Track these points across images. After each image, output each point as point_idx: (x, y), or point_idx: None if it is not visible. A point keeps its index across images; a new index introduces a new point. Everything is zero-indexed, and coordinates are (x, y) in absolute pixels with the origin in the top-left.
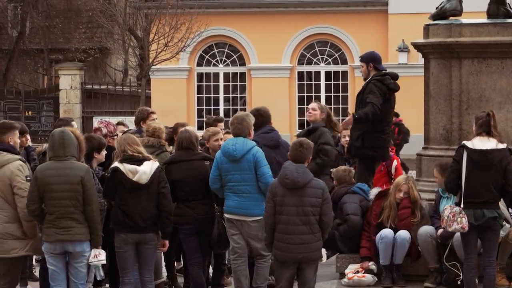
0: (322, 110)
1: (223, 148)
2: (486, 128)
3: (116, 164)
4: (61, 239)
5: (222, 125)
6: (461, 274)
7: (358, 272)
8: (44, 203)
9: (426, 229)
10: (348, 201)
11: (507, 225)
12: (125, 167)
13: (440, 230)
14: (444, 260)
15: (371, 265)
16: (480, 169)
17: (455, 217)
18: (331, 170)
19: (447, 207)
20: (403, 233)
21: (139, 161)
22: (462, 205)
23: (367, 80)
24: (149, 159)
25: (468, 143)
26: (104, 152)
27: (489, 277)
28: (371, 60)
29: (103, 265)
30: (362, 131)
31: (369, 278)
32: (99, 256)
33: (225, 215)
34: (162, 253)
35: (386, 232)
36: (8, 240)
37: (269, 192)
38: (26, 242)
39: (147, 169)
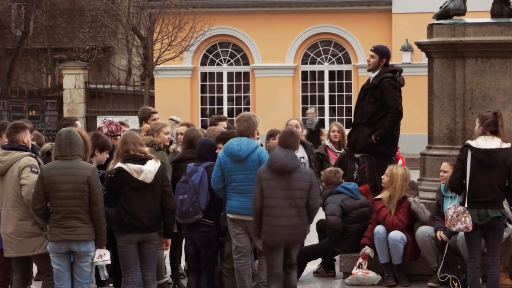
0: (302, 127)
1: (227, 148)
2: (494, 127)
3: (119, 164)
4: (67, 238)
5: (224, 124)
6: (458, 277)
7: (360, 266)
8: (50, 202)
9: (423, 229)
10: (330, 202)
11: (510, 226)
12: (129, 167)
13: (439, 232)
14: (442, 262)
15: (366, 249)
16: (485, 168)
17: (459, 217)
18: (320, 172)
19: (451, 207)
20: (394, 234)
21: (142, 160)
22: (466, 205)
23: (377, 76)
24: (151, 158)
25: (472, 143)
26: (106, 155)
27: (493, 276)
28: (385, 56)
29: (107, 265)
30: (374, 128)
31: (373, 275)
32: (103, 256)
33: (229, 215)
34: (164, 252)
35: (378, 228)
36: (26, 239)
37: (257, 176)
38: (44, 239)
39: (151, 168)
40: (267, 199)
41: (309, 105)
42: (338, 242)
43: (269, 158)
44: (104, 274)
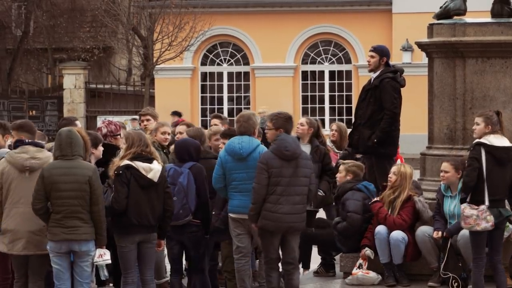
0: (310, 125)
1: (228, 147)
2: (500, 126)
3: (126, 161)
4: (68, 238)
5: (215, 121)
6: (459, 276)
7: (361, 266)
8: (50, 202)
9: (423, 229)
10: (351, 197)
11: (511, 226)
12: (138, 165)
13: (436, 233)
14: (442, 264)
15: (366, 250)
16: (501, 166)
17: (483, 215)
18: (341, 161)
19: (467, 207)
20: (396, 234)
21: (148, 159)
22: (487, 203)
23: (378, 77)
24: (156, 159)
25: (485, 141)
26: (101, 148)
27: (501, 272)
28: (385, 54)
29: (107, 265)
30: (374, 129)
31: (373, 275)
32: (104, 256)
33: (231, 214)
34: (164, 252)
35: (380, 228)
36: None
37: (262, 164)
38: None
39: (159, 167)
40: (273, 186)
41: (309, 105)
42: (344, 240)
43: (277, 145)
44: (104, 273)
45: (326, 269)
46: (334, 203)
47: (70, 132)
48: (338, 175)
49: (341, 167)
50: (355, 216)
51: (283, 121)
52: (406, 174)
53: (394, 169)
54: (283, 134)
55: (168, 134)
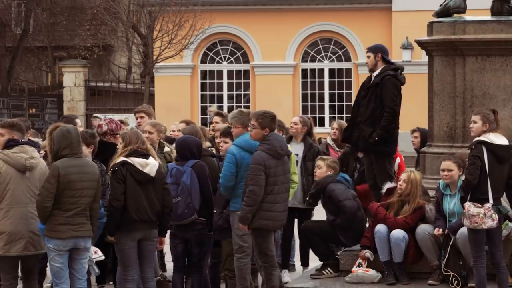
0: (304, 124)
1: (246, 143)
2: (496, 124)
3: (122, 158)
4: (76, 235)
5: (218, 118)
6: (459, 274)
7: (360, 265)
8: (60, 200)
9: (423, 227)
10: (336, 188)
11: (510, 224)
12: (133, 160)
13: (437, 230)
14: (444, 262)
15: (366, 252)
16: (500, 164)
17: (488, 213)
18: (320, 157)
19: (471, 205)
20: (396, 232)
21: (144, 155)
22: (491, 201)
23: (379, 74)
24: (152, 156)
25: (486, 139)
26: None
27: (504, 270)
28: (379, 50)
29: (97, 262)
30: (375, 128)
31: (373, 273)
32: (98, 252)
33: (238, 213)
34: (164, 250)
35: (379, 227)
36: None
37: (258, 165)
38: None
39: (155, 163)
40: (271, 186)
41: (309, 103)
42: (345, 232)
43: (271, 144)
44: (95, 271)
45: (334, 270)
46: (311, 199)
47: (77, 130)
48: (318, 170)
49: (321, 163)
50: (349, 203)
51: (269, 121)
52: (417, 181)
53: (404, 176)
54: (273, 134)
55: (150, 133)
